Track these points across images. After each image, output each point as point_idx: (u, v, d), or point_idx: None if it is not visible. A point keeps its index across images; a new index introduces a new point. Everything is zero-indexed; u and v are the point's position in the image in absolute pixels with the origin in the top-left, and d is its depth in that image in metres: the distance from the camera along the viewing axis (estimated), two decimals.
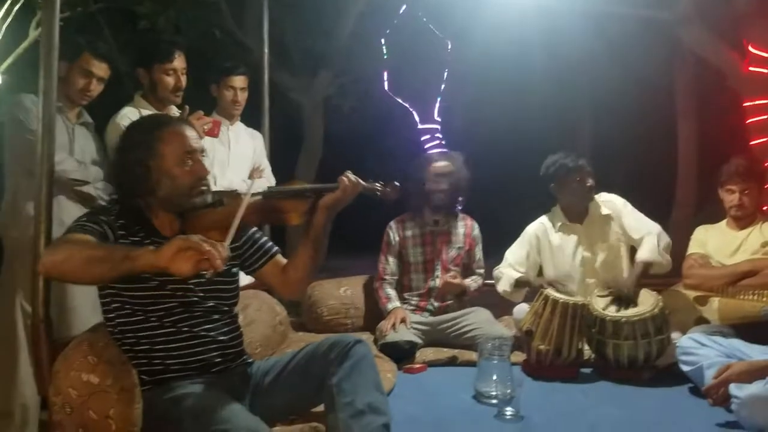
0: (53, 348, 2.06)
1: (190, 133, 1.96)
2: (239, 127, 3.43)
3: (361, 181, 2.04)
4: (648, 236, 3.25)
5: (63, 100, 2.73)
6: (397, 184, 2.11)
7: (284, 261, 2.17)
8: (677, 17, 6.09)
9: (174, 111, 2.96)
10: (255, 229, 2.17)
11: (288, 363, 2.02)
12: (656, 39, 6.75)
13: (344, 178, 2.03)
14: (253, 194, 1.91)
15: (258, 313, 2.90)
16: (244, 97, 3.39)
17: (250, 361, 2.10)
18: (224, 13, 6.90)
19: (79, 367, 1.77)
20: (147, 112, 2.87)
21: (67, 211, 2.65)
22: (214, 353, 1.96)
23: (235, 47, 6.89)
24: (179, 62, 2.94)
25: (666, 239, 3.28)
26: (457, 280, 3.46)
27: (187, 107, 2.83)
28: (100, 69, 2.79)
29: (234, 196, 1.98)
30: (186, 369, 1.90)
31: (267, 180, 3.33)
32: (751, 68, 5.53)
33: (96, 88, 2.81)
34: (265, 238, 2.18)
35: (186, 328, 1.91)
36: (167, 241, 1.57)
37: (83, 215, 1.93)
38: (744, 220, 3.17)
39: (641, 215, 3.36)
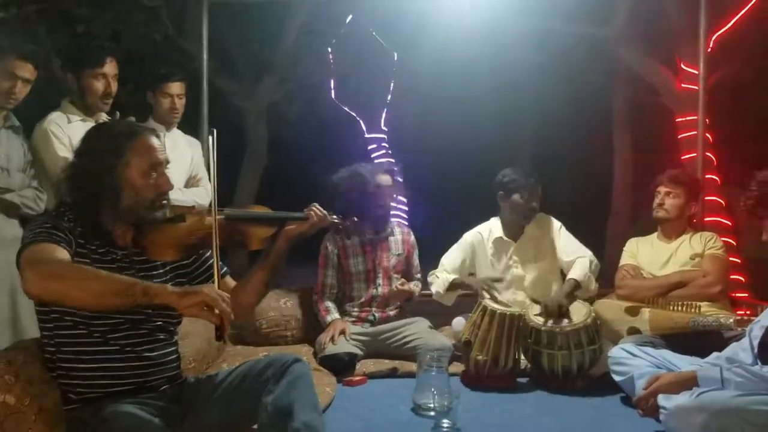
0: None
1: (158, 144, 1.90)
2: (176, 134, 3.33)
3: (328, 216, 2.06)
4: (581, 259, 3.34)
5: None
6: (356, 219, 2.14)
7: (233, 283, 2.09)
8: (614, 34, 6.32)
9: (103, 117, 2.86)
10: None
11: (223, 380, 1.96)
12: (596, 55, 6.96)
13: (312, 212, 2.05)
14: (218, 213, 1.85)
15: (193, 326, 2.80)
16: (182, 104, 3.30)
17: (183, 378, 2.03)
18: (164, 18, 6.76)
19: None
20: (75, 118, 2.78)
21: None
22: (155, 376, 1.88)
23: (175, 53, 6.74)
24: (110, 68, 2.84)
25: (597, 265, 3.37)
26: (406, 287, 3.49)
27: (117, 113, 2.74)
28: (26, 70, 2.68)
29: (194, 213, 1.93)
30: (121, 390, 1.81)
31: (204, 190, 3.24)
32: (683, 85, 5.75)
33: (22, 90, 2.70)
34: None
35: (129, 348, 1.82)
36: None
37: (44, 221, 1.78)
38: (669, 225, 3.25)
39: (575, 239, 3.46)
